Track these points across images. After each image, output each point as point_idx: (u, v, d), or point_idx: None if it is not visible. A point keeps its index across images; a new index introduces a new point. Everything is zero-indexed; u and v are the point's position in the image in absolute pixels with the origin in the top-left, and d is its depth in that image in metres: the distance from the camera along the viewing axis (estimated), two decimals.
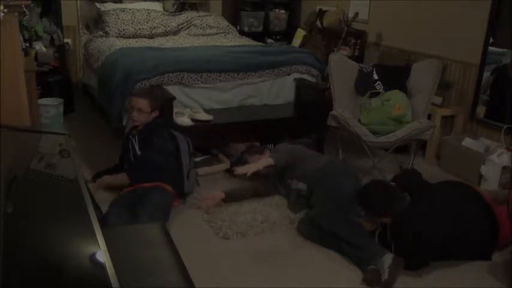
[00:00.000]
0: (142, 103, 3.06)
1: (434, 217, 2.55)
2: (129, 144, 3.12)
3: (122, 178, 3.03)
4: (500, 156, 3.41)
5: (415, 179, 3.01)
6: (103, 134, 4.15)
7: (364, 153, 3.57)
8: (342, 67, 3.75)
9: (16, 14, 2.24)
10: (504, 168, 3.37)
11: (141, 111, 3.06)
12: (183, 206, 3.06)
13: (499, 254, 2.68)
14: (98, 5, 5.19)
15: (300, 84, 3.99)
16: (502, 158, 3.39)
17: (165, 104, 3.28)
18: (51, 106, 4.14)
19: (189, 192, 3.16)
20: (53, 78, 4.45)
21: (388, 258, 2.40)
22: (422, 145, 3.89)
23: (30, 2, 2.43)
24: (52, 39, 4.58)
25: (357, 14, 4.69)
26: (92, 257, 1.23)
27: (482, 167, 3.46)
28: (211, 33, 5.23)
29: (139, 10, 5.10)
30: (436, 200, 2.68)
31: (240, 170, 2.99)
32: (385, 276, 2.35)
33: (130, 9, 5.06)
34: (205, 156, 3.66)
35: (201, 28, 5.23)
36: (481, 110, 3.85)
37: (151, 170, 2.99)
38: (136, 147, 3.08)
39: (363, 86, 3.77)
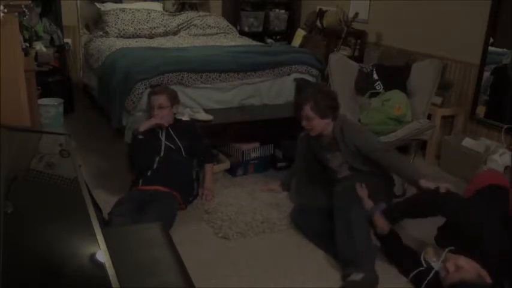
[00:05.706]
0: (162, 99, 3.11)
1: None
2: (160, 139, 3.09)
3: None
4: (503, 156, 3.40)
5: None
6: (103, 134, 4.14)
7: None
8: (342, 67, 3.75)
9: (16, 14, 2.24)
10: (506, 168, 3.36)
11: (162, 107, 3.10)
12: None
13: None
14: (98, 5, 5.19)
15: (300, 84, 3.99)
16: (504, 158, 3.39)
17: None
18: (51, 106, 4.14)
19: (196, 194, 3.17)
20: (53, 78, 4.45)
21: None
22: (422, 145, 3.89)
23: (30, 2, 2.43)
24: (52, 39, 4.57)
25: (357, 14, 4.69)
26: (92, 257, 1.23)
27: (484, 166, 3.46)
28: (211, 33, 5.24)
29: (139, 10, 5.09)
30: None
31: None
32: None
33: (130, 9, 5.06)
34: None
35: (201, 28, 5.23)
36: (481, 110, 3.85)
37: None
38: (175, 139, 3.10)
39: (363, 86, 3.77)
